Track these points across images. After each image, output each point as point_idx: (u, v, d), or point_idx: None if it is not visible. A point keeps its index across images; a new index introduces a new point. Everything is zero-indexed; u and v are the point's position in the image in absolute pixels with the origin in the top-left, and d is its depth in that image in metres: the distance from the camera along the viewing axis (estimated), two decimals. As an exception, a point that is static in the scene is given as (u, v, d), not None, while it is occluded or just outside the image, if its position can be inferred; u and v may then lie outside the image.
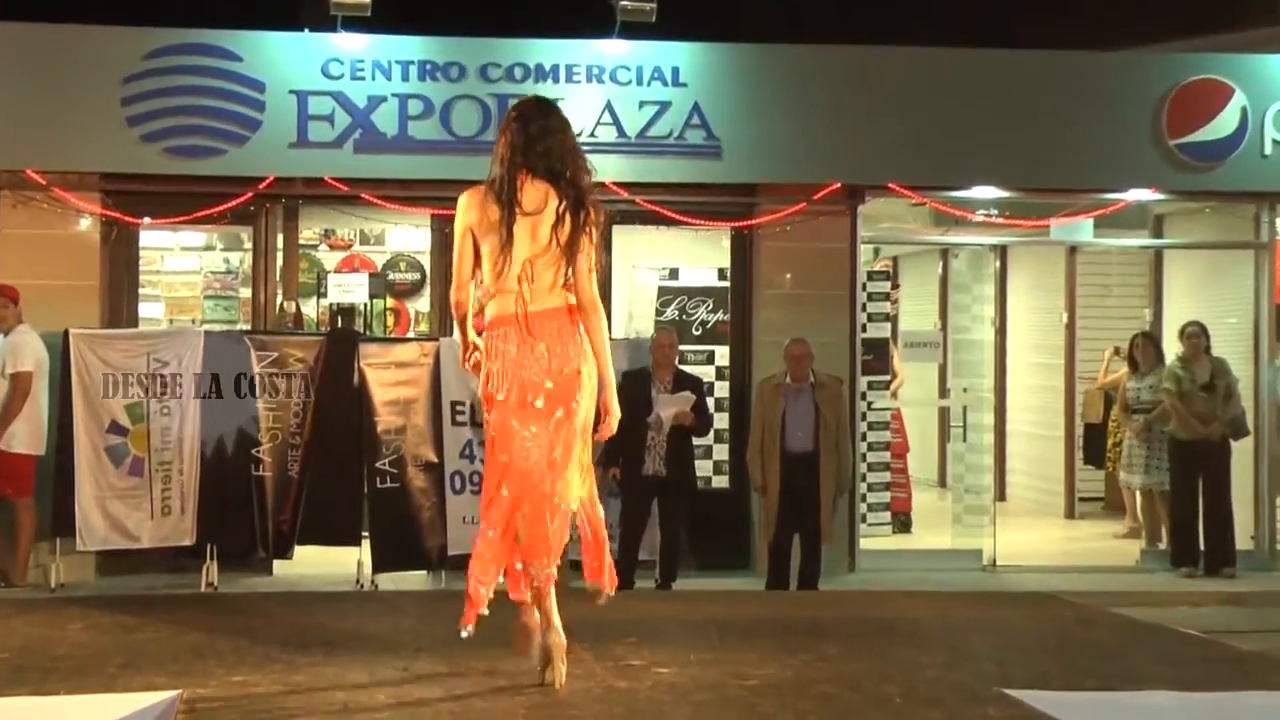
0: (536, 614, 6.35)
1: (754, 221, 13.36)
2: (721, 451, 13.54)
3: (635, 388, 11.51)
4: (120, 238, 12.95)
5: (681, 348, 12.89)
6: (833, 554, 12.32)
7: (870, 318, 13.98)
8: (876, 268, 14.90)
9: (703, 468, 13.16)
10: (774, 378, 11.91)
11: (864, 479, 13.75)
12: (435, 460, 11.89)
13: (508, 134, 6.30)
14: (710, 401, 12.90)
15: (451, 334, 11.64)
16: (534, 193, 6.20)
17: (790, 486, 11.54)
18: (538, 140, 6.23)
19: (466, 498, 11.58)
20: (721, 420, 13.39)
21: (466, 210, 6.31)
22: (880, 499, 14.38)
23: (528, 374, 6.17)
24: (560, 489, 6.22)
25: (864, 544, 13.48)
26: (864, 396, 13.80)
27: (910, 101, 13.18)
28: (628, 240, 13.66)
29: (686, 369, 12.41)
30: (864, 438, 13.80)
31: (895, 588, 11.39)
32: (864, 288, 13.80)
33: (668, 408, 11.52)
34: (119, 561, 12.25)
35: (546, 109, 6.39)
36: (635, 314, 14.13)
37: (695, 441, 12.12)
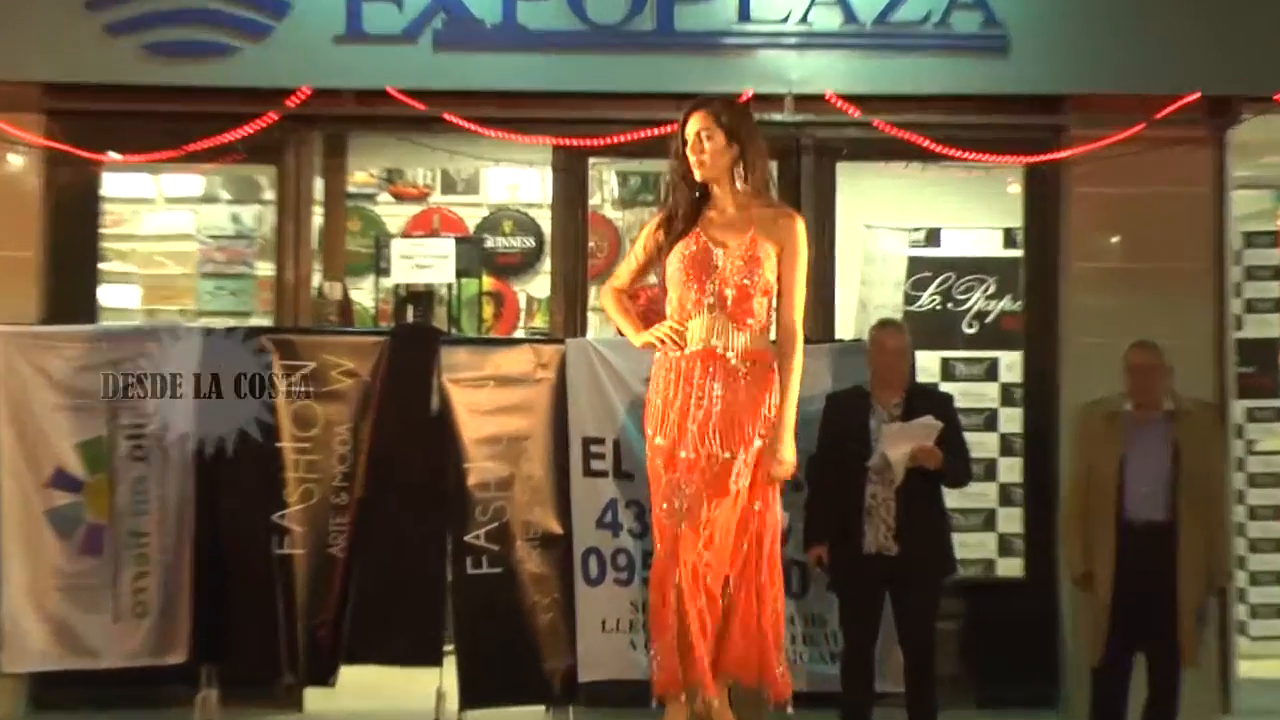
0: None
1: (1061, 154, 12.33)
2: (1011, 520, 12.64)
3: (843, 417, 10.60)
4: (73, 183, 12.42)
5: (947, 355, 12.87)
6: (1195, 684, 10.98)
7: (1250, 307, 12.98)
8: (1263, 227, 13.79)
9: (978, 544, 12.59)
10: (1105, 402, 10.83)
11: (1243, 564, 12.78)
12: (558, 531, 10.91)
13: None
14: (989, 440, 12.59)
15: (582, 332, 12.45)
16: None
17: (1131, 576, 10.43)
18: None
19: (608, 590, 10.70)
20: (1012, 469, 12.59)
21: None
22: (1269, 598, 13.18)
23: None
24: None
25: (1245, 669, 12.26)
26: (1241, 433, 12.85)
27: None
28: (860, 185, 12.91)
29: (936, 385, 12.11)
30: (1240, 498, 12.89)
31: (1301, 743, 10.88)
32: (1240, 259, 12.82)
33: (899, 445, 10.23)
34: (67, 690, 11.61)
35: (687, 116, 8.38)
36: (871, 302, 13.37)
37: (952, 499, 10.86)
